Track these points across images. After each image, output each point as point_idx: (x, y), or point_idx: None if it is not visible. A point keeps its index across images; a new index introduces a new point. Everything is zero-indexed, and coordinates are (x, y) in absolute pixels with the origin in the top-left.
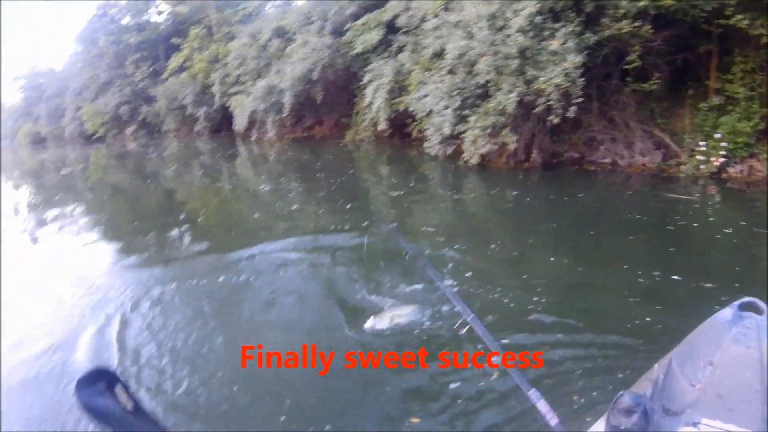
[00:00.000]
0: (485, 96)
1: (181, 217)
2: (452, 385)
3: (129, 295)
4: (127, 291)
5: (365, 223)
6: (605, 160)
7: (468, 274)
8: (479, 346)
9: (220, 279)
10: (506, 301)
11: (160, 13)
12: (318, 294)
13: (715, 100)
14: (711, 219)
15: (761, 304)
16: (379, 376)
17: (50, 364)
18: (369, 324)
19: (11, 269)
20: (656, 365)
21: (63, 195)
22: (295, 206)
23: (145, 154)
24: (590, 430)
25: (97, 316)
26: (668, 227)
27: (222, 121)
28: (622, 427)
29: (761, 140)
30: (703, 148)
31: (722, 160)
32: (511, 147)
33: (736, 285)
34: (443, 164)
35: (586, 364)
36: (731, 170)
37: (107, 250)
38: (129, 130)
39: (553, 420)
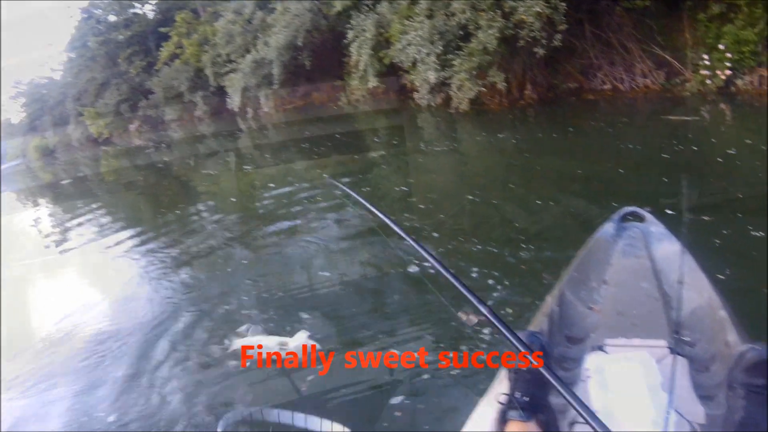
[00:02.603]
0: (467, 38)
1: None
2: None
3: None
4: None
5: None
6: (605, 87)
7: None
8: (482, 346)
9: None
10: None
11: (144, 4)
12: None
13: (715, 8)
14: (713, 141)
15: (642, 211)
16: (379, 376)
17: None
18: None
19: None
20: (548, 297)
21: (80, 202)
22: (270, 189)
23: (149, 147)
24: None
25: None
26: (663, 155)
27: (220, 103)
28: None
29: None
30: (708, 62)
31: (729, 72)
32: (501, 86)
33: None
34: (436, 114)
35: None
36: (740, 83)
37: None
38: (133, 127)
39: None
